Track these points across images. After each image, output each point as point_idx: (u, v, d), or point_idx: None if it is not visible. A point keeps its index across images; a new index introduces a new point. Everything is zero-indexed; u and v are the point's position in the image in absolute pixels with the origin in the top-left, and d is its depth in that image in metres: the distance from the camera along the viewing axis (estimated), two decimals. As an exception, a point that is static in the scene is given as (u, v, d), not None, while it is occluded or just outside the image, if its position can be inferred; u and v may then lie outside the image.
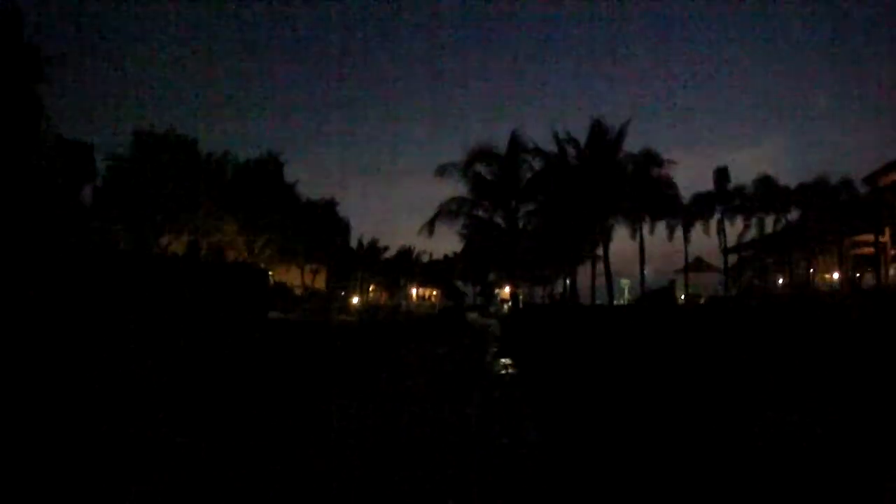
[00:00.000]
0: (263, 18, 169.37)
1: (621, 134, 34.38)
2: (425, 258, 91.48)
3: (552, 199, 35.44)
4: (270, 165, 36.09)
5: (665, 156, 35.74)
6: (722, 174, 48.25)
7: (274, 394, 13.32)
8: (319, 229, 40.13)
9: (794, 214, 49.15)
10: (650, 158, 34.71)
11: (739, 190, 48.74)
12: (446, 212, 37.67)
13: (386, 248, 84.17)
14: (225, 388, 13.54)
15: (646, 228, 43.68)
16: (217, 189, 34.79)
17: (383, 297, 79.30)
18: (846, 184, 47.52)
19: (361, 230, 79.54)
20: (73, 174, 30.58)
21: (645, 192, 36.27)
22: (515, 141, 35.72)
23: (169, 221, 34.33)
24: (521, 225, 38.32)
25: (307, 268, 44.25)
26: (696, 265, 51.53)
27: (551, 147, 34.86)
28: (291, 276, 47.25)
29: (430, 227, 37.80)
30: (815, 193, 48.22)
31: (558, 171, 34.20)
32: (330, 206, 44.32)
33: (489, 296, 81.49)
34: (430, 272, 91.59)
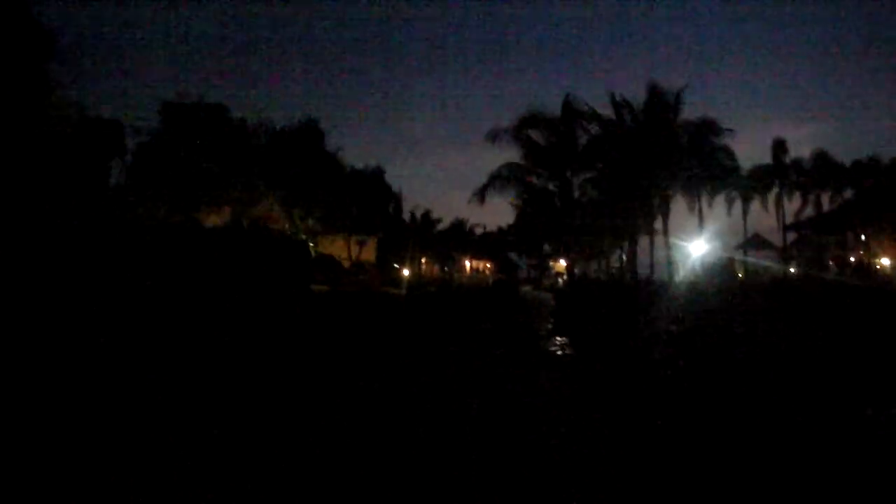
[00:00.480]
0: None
1: (678, 100, 31.86)
2: (479, 231, 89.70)
3: (609, 166, 33.08)
4: (309, 132, 34.45)
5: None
6: (780, 147, 45.31)
7: (304, 373, 11.97)
8: (366, 198, 38.48)
9: (847, 194, 46.28)
10: (708, 127, 32.14)
11: (797, 164, 45.74)
12: (499, 178, 35.56)
13: (439, 221, 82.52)
14: (255, 364, 12.47)
15: (704, 202, 41.29)
16: (253, 158, 33.48)
17: (434, 270, 77.80)
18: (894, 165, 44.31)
19: (413, 203, 78.20)
20: (102, 151, 29.86)
21: (704, 161, 33.75)
22: (569, 105, 33.32)
23: (205, 194, 33.18)
24: (576, 195, 36.09)
25: (354, 239, 42.77)
26: (754, 242, 48.72)
27: (607, 112, 32.52)
28: (339, 248, 46.00)
29: (481, 194, 35.80)
30: (870, 171, 45.10)
31: (615, 137, 31.76)
32: (377, 174, 42.49)
33: (543, 269, 79.24)
34: (483, 245, 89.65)
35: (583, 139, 33.42)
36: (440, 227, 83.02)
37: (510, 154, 35.26)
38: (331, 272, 42.91)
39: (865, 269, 38.87)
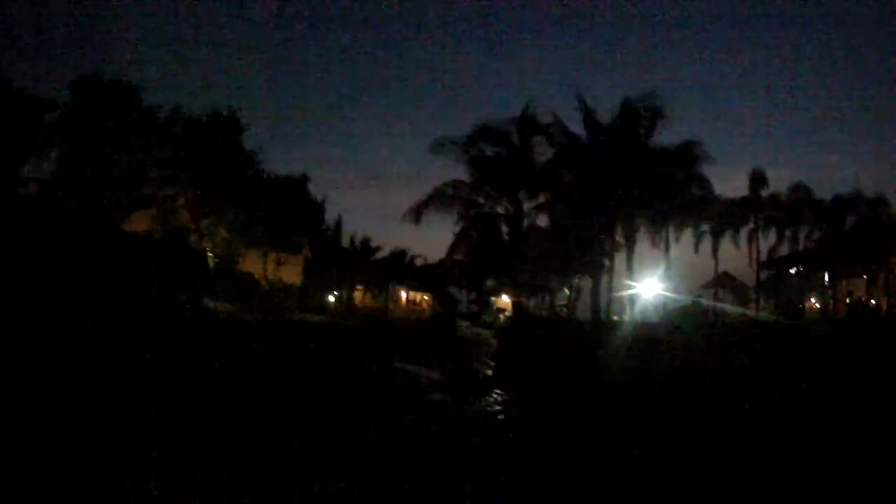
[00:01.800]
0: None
1: (654, 119, 27.30)
2: (420, 262, 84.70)
3: (569, 191, 28.38)
4: (226, 124, 28.91)
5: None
6: (758, 179, 41.37)
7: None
8: (287, 210, 32.99)
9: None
10: (688, 152, 27.05)
11: (774, 198, 42.06)
12: (440, 196, 30.49)
13: (378, 249, 77.39)
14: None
15: (671, 237, 37.08)
16: (166, 149, 27.84)
17: (366, 298, 72.16)
18: (877, 201, 41.31)
19: (356, 230, 72.98)
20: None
21: (676, 191, 29.27)
22: (527, 117, 28.68)
23: (119, 189, 27.51)
24: (525, 222, 31.20)
25: (273, 256, 37.06)
26: (723, 281, 44.82)
27: (573, 128, 27.86)
28: (260, 266, 40.25)
29: (417, 212, 30.44)
30: (852, 207, 41.93)
31: (579, 156, 27.04)
32: (300, 183, 36.66)
33: (484, 304, 74.39)
34: (423, 276, 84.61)
35: (544, 156, 28.73)
36: (381, 255, 78.05)
37: (455, 172, 30.61)
38: (245, 292, 37.25)
39: (862, 310, 34.55)
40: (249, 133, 30.38)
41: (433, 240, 76.82)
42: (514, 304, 57.86)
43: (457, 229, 32.08)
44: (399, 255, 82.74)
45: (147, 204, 28.36)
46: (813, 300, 47.25)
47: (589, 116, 26.39)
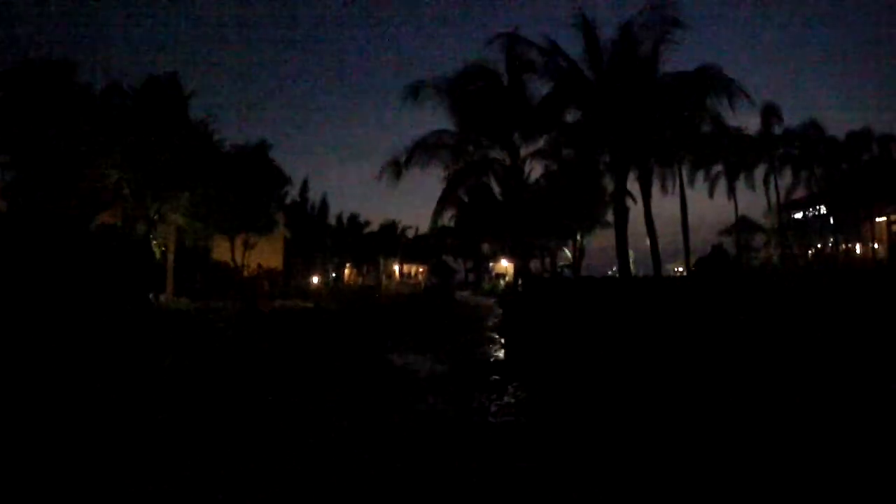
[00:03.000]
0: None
1: (657, 47, 22.68)
2: (411, 233, 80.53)
3: (572, 129, 24.02)
4: (166, 91, 24.18)
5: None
6: (771, 113, 37.13)
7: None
8: (249, 185, 28.44)
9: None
10: (707, 79, 21.71)
11: (788, 134, 37.92)
12: (423, 148, 26.02)
13: (367, 223, 73.20)
14: None
15: (684, 179, 32.95)
16: (101, 130, 23.45)
17: (352, 276, 68.06)
18: (887, 138, 37.48)
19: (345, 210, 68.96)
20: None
21: (689, 127, 24.89)
22: (514, 51, 24.18)
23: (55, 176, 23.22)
24: (526, 171, 26.94)
25: (242, 239, 32.64)
26: (742, 226, 40.79)
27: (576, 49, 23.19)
28: (254, 253, 35.86)
29: (394, 166, 25.97)
30: (866, 144, 38.01)
31: (580, 88, 22.54)
32: (259, 151, 31.64)
33: (482, 271, 70.31)
34: (416, 248, 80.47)
35: (540, 93, 24.22)
36: (369, 231, 73.88)
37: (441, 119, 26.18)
38: (220, 282, 33.13)
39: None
40: (207, 104, 26.08)
41: (426, 210, 72.57)
42: (516, 267, 54.02)
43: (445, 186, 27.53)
44: (389, 228, 78.54)
45: (82, 193, 24.11)
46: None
47: (591, 36, 21.74)
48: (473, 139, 25.89)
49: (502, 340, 18.14)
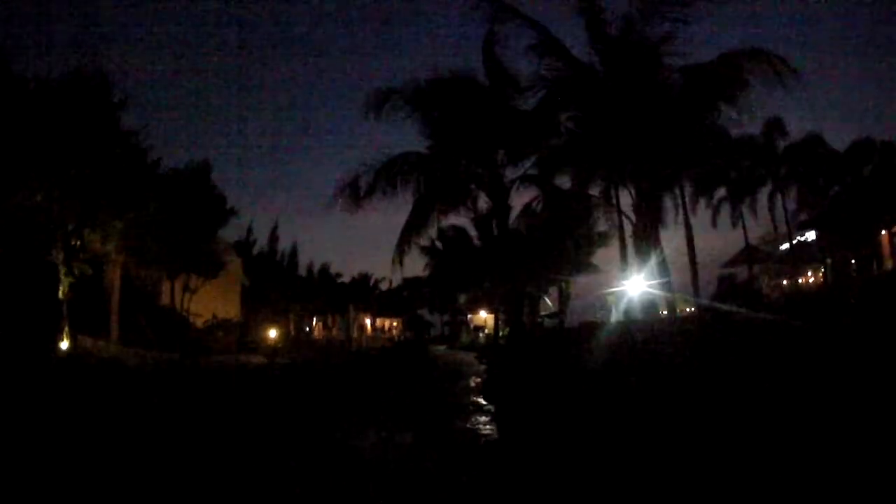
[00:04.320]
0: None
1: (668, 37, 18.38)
2: (385, 286, 76.18)
3: (568, 148, 19.99)
4: (89, 88, 19.69)
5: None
6: (775, 127, 33.21)
7: None
8: (191, 213, 23.78)
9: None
10: (726, 80, 17.64)
11: (792, 150, 34.29)
12: (386, 176, 21.18)
13: (339, 275, 68.83)
14: None
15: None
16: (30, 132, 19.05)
17: (319, 329, 63.02)
18: (888, 146, 34.34)
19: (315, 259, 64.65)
20: None
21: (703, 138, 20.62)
22: (493, 55, 20.35)
23: None
24: (511, 200, 22.53)
25: (183, 280, 27.84)
26: (748, 256, 37.14)
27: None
28: (206, 300, 31.09)
29: (352, 190, 21.26)
30: (869, 156, 34.64)
31: (581, 88, 18.30)
32: (200, 173, 25.42)
33: (459, 324, 65.70)
34: (390, 301, 76.08)
35: (523, 101, 20.26)
36: (341, 281, 69.50)
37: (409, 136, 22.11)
38: (173, 331, 28.44)
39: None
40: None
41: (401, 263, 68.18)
42: (496, 319, 49.55)
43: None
44: (362, 281, 74.26)
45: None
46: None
47: (595, 20, 17.50)
48: (448, 160, 21.58)
49: (490, 408, 13.84)
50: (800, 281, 38.90)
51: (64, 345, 18.24)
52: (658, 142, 18.11)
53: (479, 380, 20.36)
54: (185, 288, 27.76)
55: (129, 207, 20.87)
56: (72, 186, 19.18)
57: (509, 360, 19.50)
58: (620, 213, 20.34)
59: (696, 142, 20.05)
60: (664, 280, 18.61)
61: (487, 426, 11.34)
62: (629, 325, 17.33)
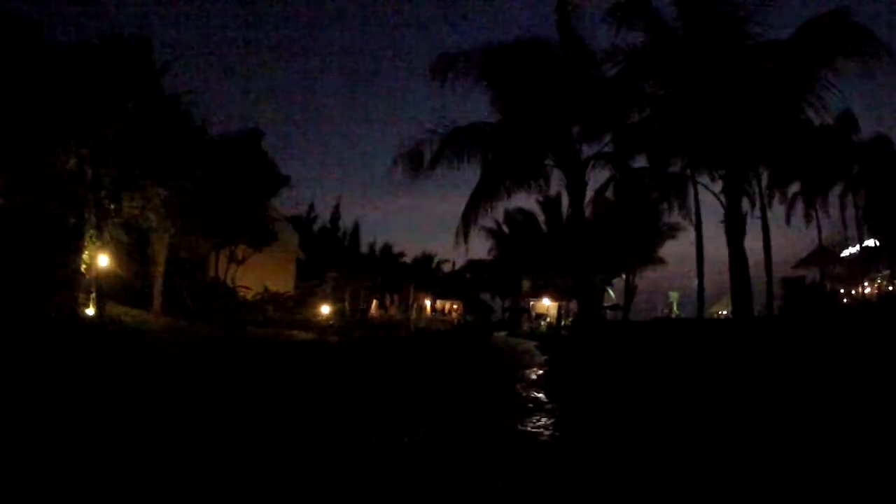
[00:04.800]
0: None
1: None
2: (447, 268, 74.43)
3: (647, 124, 17.70)
4: (129, 52, 18.50)
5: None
6: (847, 121, 29.73)
7: None
8: (240, 183, 22.33)
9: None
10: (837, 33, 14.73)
11: (864, 149, 31.02)
12: (455, 143, 19.05)
13: (402, 255, 67.53)
14: None
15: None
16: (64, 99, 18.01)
17: (377, 308, 61.60)
18: None
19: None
20: None
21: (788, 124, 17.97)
22: (567, 19, 18.21)
23: None
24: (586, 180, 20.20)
25: (228, 250, 26.54)
26: (818, 257, 34.25)
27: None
28: (258, 273, 29.98)
29: (413, 159, 19.53)
30: None
31: (669, 57, 16.16)
32: (251, 139, 24.63)
33: (521, 311, 63.42)
34: (451, 283, 74.36)
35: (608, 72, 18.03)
36: (402, 261, 68.14)
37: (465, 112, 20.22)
38: (219, 304, 27.33)
39: None
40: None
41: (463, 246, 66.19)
42: (559, 307, 47.39)
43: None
44: (424, 261, 72.67)
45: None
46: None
47: None
48: (519, 132, 19.35)
49: (551, 406, 11.78)
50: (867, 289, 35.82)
51: (90, 311, 17.09)
52: (745, 123, 15.69)
53: (540, 371, 18.28)
54: (231, 258, 26.46)
55: (171, 174, 19.57)
56: (108, 151, 17.95)
57: (575, 353, 17.34)
58: (698, 202, 18.06)
59: (782, 128, 17.39)
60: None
61: (547, 430, 9.30)
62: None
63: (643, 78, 17.28)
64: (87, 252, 16.99)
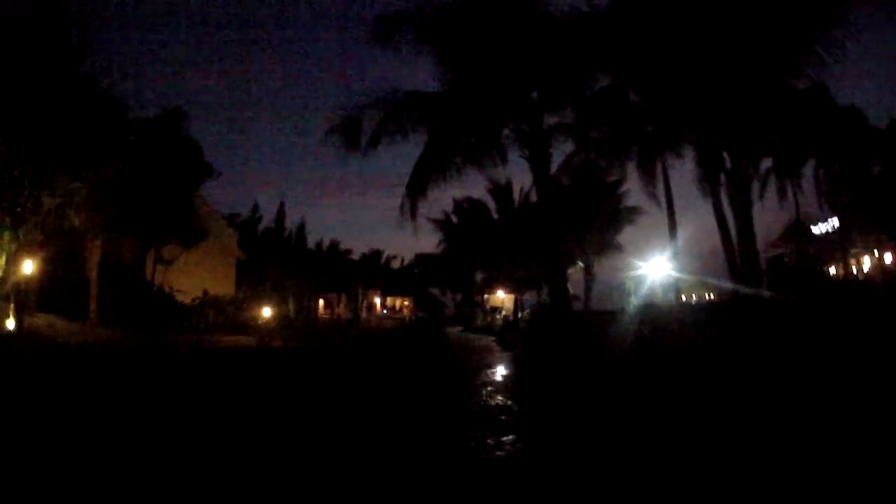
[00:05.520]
0: None
1: None
2: (396, 264, 72.43)
3: (613, 91, 15.96)
4: (46, 25, 15.77)
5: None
6: (819, 93, 28.82)
7: None
8: (163, 171, 19.80)
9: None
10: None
11: (835, 121, 30.22)
12: (396, 115, 16.95)
13: (349, 252, 65.36)
14: None
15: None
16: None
17: (321, 306, 59.32)
18: None
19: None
20: None
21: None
22: None
23: None
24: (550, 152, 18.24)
25: (155, 250, 23.98)
26: (795, 233, 33.48)
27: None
28: (196, 276, 27.67)
29: (347, 129, 17.12)
30: None
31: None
32: (172, 121, 21.62)
33: (473, 305, 61.64)
34: (401, 279, 72.42)
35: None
36: (350, 258, 65.86)
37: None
38: (157, 310, 24.81)
39: None
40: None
41: (413, 241, 64.46)
42: (515, 299, 45.75)
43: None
44: (373, 258, 70.55)
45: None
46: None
47: None
48: (472, 99, 17.31)
49: (524, 416, 9.94)
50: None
51: (10, 324, 14.83)
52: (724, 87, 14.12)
53: (505, 372, 16.45)
54: (158, 259, 23.95)
55: (89, 164, 17.14)
56: (19, 140, 15.48)
57: (546, 350, 15.58)
58: (668, 186, 16.51)
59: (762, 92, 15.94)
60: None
61: (527, 455, 7.41)
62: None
63: (610, 35, 15.45)
64: (2, 257, 14.61)
